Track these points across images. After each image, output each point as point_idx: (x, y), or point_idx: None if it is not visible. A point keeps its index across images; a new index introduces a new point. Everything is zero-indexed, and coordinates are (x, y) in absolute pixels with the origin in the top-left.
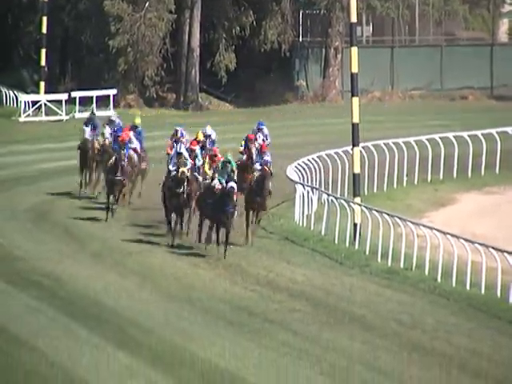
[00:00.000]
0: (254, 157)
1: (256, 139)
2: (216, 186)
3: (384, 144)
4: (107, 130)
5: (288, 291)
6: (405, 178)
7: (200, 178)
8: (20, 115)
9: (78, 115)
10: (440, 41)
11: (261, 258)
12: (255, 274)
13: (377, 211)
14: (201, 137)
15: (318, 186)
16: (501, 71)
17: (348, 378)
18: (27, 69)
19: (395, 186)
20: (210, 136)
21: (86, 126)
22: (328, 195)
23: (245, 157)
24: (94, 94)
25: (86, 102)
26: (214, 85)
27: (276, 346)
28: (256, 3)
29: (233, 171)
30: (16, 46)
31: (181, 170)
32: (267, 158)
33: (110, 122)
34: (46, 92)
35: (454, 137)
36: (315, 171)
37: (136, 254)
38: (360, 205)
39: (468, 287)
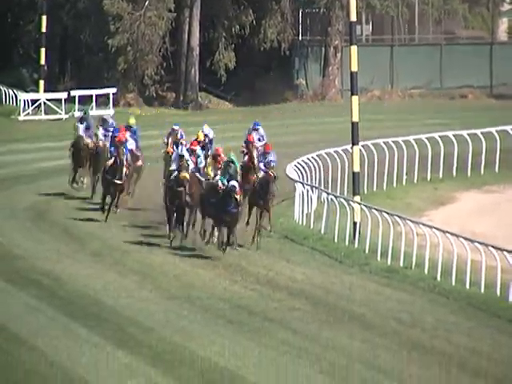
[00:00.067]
0: (256, 159)
1: (259, 140)
2: (219, 185)
3: (384, 143)
4: (100, 131)
5: (287, 290)
6: (404, 177)
7: (203, 179)
8: (19, 114)
9: (77, 114)
10: (439, 39)
11: (260, 257)
12: (255, 272)
13: (376, 210)
14: (201, 137)
15: (317, 185)
16: (500, 70)
17: (347, 376)
18: (27, 68)
19: (395, 184)
20: (207, 135)
21: (81, 123)
22: (328, 194)
23: (246, 158)
24: (94, 92)
25: (85, 100)
26: (213, 84)
27: (276, 345)
28: (256, 2)
29: (236, 171)
30: (15, 45)
31: (182, 174)
32: (271, 158)
33: (103, 121)
34: (45, 91)
35: (454, 135)
36: (315, 170)
37: (136, 253)
38: (360, 203)
39: (468, 286)
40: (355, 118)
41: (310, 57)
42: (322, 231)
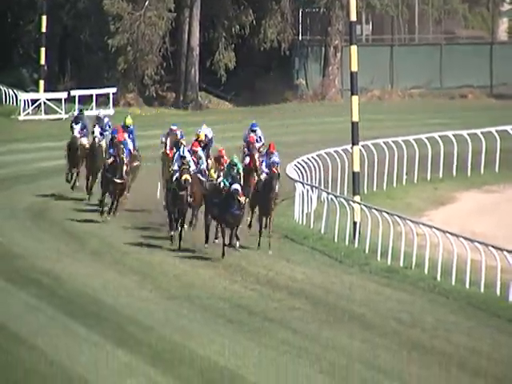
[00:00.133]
0: (257, 160)
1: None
2: (222, 187)
3: (383, 142)
4: (97, 129)
5: (287, 290)
6: (404, 177)
7: (204, 180)
8: (19, 114)
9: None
10: (439, 39)
11: (260, 257)
12: (255, 272)
13: (376, 210)
14: (202, 136)
15: (317, 185)
16: (500, 70)
17: (347, 376)
18: (27, 67)
19: (395, 184)
20: (206, 135)
21: (76, 124)
22: (328, 194)
23: (247, 159)
24: (94, 92)
25: (85, 100)
26: (213, 84)
27: (275, 345)
28: (256, 2)
29: (238, 174)
30: (15, 45)
31: (184, 177)
32: (275, 158)
33: (98, 119)
34: (45, 91)
35: (454, 135)
36: (315, 170)
37: (135, 253)
38: (360, 203)
39: (467, 286)
40: (355, 118)
41: (309, 57)
42: (322, 231)
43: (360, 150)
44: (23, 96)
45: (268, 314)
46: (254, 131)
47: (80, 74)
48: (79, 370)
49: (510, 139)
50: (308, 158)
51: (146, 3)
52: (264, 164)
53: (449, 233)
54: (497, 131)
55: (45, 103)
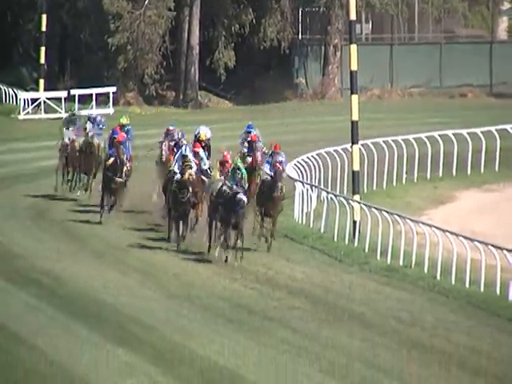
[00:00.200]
0: (260, 158)
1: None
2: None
3: (383, 141)
4: (89, 126)
5: (287, 289)
6: (404, 176)
7: (206, 180)
8: (19, 113)
9: (77, 113)
10: (439, 38)
11: (260, 256)
12: (254, 271)
13: (376, 209)
14: (203, 136)
15: (317, 184)
16: (500, 69)
17: (347, 375)
18: (26, 66)
19: (394, 183)
20: (200, 135)
21: (66, 129)
22: (327, 193)
23: (249, 159)
24: (94, 91)
25: (85, 99)
26: (213, 82)
27: (275, 344)
28: (255, 1)
29: (242, 178)
30: (15, 44)
31: (187, 173)
32: (281, 158)
33: (90, 119)
34: (45, 90)
35: (454, 134)
36: (314, 169)
37: (136, 252)
38: (359, 202)
39: (467, 285)
40: (355, 117)
41: (309, 56)
42: (322, 230)
43: (360, 149)
44: (23, 95)
45: (268, 313)
46: (250, 132)
47: (80, 73)
48: (80, 369)
49: (510, 138)
50: (308, 157)
51: (146, 2)
52: (267, 166)
53: (448, 232)
54: (496, 130)
55: (45, 102)
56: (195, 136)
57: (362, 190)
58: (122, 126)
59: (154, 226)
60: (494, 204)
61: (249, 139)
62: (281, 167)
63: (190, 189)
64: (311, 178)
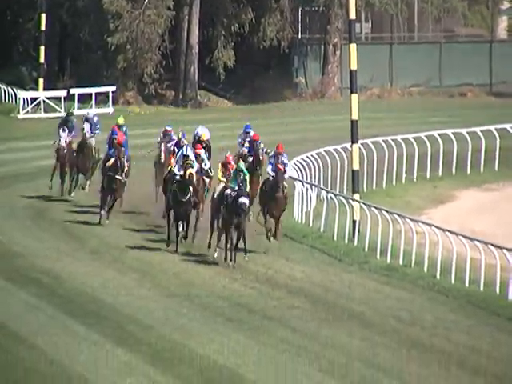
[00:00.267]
0: (261, 156)
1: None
2: (230, 191)
3: (383, 141)
4: (86, 126)
5: (287, 288)
6: (404, 175)
7: (207, 180)
8: (19, 112)
9: (76, 112)
10: (439, 37)
11: (260, 255)
12: (254, 270)
13: (376, 208)
14: (204, 136)
15: (316, 183)
16: (500, 68)
17: (347, 374)
18: (26, 66)
19: (394, 182)
20: (200, 136)
21: (63, 131)
22: (327, 192)
23: (250, 159)
24: (93, 91)
25: (84, 98)
26: (213, 82)
27: (275, 343)
28: (255, 0)
29: (245, 180)
30: (15, 43)
31: (188, 171)
32: (284, 159)
33: (87, 119)
34: (44, 89)
35: (453, 133)
36: (314, 168)
37: (135, 251)
38: (359, 202)
39: (467, 284)
40: (354, 116)
41: (309, 55)
42: (322, 229)
43: (359, 149)
44: (22, 94)
45: (267, 312)
46: (248, 133)
47: (79, 73)
48: (79, 369)
49: (510, 137)
50: (307, 157)
51: (146, 1)
52: (270, 166)
53: (448, 231)
54: (496, 129)
55: (44, 101)
56: (194, 137)
57: (361, 189)
58: (120, 127)
59: (153, 226)
60: (494, 203)
61: (248, 139)
62: (283, 168)
63: (191, 188)
64: (311, 178)
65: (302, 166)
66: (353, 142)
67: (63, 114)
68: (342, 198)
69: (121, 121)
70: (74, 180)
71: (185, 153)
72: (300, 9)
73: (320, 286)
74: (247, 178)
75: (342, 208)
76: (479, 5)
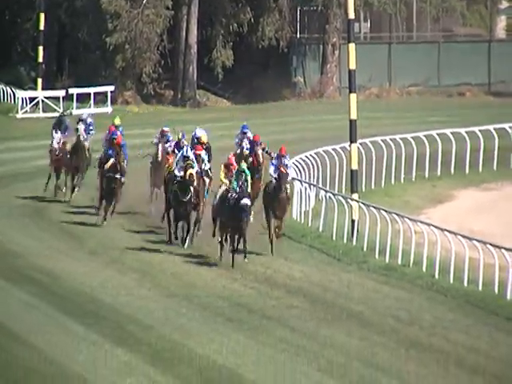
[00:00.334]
0: (261, 156)
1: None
2: (232, 194)
3: (381, 140)
4: (81, 127)
5: (286, 288)
6: (402, 175)
7: (207, 180)
8: (17, 112)
9: (75, 112)
10: (437, 37)
11: (259, 255)
12: (253, 270)
13: (374, 208)
14: (204, 139)
15: (315, 183)
16: (498, 67)
17: (346, 374)
18: (24, 65)
19: (393, 182)
20: (200, 138)
21: (56, 132)
22: (326, 192)
23: (251, 159)
24: (92, 90)
25: (83, 98)
26: (211, 81)
27: (274, 343)
28: (253, 0)
29: (246, 181)
30: (13, 43)
31: (189, 172)
32: (287, 161)
33: (81, 120)
34: (43, 89)
35: (452, 133)
36: (313, 168)
37: (134, 251)
38: (358, 201)
39: (466, 284)
40: (353, 116)
41: (307, 54)
42: (320, 229)
43: (358, 148)
44: (21, 94)
45: (266, 312)
46: (245, 133)
47: (78, 72)
48: (78, 368)
49: (508, 137)
50: (306, 156)
51: (144, 1)
52: (273, 168)
53: (447, 231)
54: (495, 129)
55: (43, 101)
56: (192, 138)
57: (360, 188)
58: (116, 127)
59: (151, 226)
60: (493, 203)
61: (246, 139)
62: (285, 170)
63: (192, 189)
64: (309, 177)
65: (301, 165)
66: (351, 142)
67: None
68: (340, 198)
69: (117, 121)
70: (65, 181)
71: (185, 153)
72: (299, 8)
73: (319, 286)
74: (249, 178)
75: (340, 208)
76: (478, 4)
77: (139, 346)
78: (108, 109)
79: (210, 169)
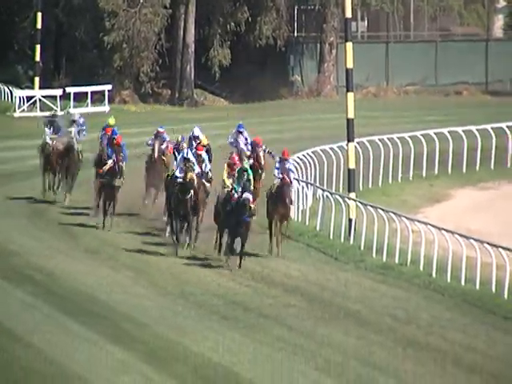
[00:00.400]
0: (262, 159)
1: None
2: (234, 197)
3: (379, 139)
4: (74, 129)
5: (283, 286)
6: (400, 174)
7: (208, 185)
8: (15, 111)
9: (72, 111)
10: (435, 36)
11: (256, 254)
12: (250, 269)
13: (372, 207)
14: (205, 141)
15: (312, 182)
16: (495, 67)
17: (343, 373)
18: (22, 64)
19: (390, 181)
20: (197, 137)
21: (48, 129)
22: (323, 190)
23: (251, 161)
24: (89, 89)
25: (80, 97)
26: (208, 80)
27: (271, 341)
28: None
29: (249, 180)
30: (11, 42)
31: (189, 174)
32: (289, 166)
33: (74, 122)
34: (40, 87)
35: (449, 132)
36: (310, 166)
37: (130, 250)
38: (355, 200)
39: (463, 282)
40: (350, 115)
41: (305, 53)
42: (318, 228)
43: (355, 147)
44: (18, 93)
45: (263, 310)
46: (241, 132)
47: (75, 71)
48: (74, 367)
49: (505, 136)
50: (303, 155)
51: (142, 0)
52: (276, 171)
53: (444, 230)
54: (492, 128)
55: (40, 100)
56: (190, 138)
57: (357, 187)
58: (111, 127)
59: (149, 225)
60: (490, 202)
61: (241, 138)
62: (288, 179)
63: (192, 191)
64: (307, 176)
65: (298, 164)
66: (349, 141)
67: (59, 112)
68: (337, 197)
69: (112, 121)
70: (56, 181)
71: (185, 156)
72: (296, 7)
73: (316, 285)
74: (251, 177)
75: (337, 206)
76: (475, 3)
77: (135, 344)
78: (105, 108)
79: (210, 170)
